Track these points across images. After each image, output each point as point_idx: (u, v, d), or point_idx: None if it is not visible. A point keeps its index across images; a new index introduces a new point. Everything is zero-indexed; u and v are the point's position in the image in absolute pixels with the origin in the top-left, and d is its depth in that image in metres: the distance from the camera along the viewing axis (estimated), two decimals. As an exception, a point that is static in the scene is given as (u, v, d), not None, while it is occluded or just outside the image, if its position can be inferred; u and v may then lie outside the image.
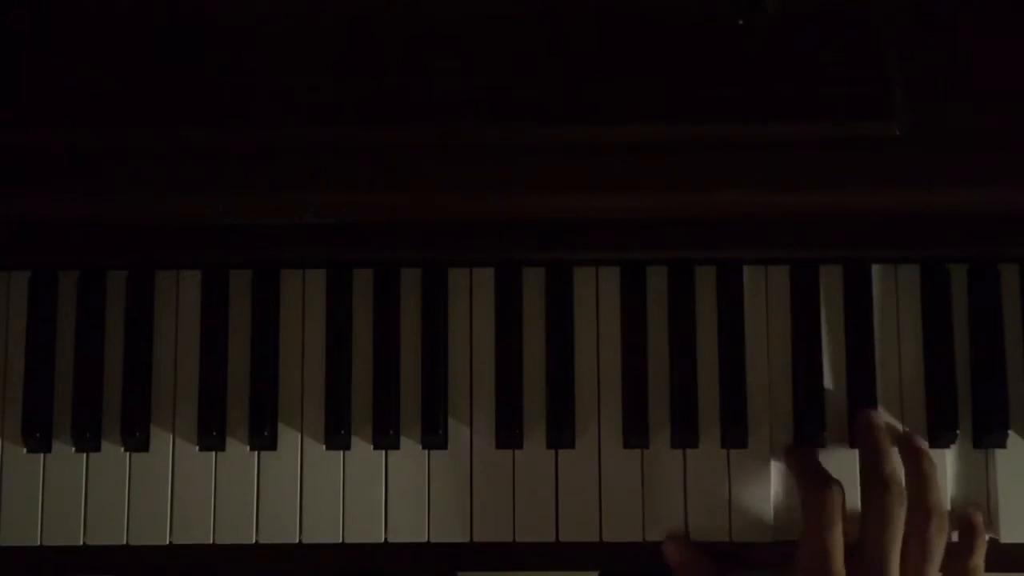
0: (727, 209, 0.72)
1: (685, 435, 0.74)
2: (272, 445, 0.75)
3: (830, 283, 0.76)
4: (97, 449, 0.75)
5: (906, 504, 0.68)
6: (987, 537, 0.72)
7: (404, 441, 0.75)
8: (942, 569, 0.69)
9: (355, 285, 0.76)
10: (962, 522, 0.72)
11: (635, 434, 0.74)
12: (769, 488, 0.74)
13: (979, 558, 0.71)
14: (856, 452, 0.73)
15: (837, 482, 0.70)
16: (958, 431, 0.74)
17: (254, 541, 0.74)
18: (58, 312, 0.76)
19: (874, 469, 0.70)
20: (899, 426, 0.74)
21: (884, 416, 0.74)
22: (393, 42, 0.70)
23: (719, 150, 0.69)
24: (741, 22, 0.70)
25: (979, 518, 0.72)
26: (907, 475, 0.70)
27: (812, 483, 0.70)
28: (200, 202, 0.70)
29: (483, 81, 0.69)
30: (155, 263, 0.76)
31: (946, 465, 0.74)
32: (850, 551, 0.68)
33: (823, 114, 0.69)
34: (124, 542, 0.74)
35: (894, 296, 0.76)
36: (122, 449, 0.75)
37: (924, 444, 0.73)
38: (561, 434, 0.74)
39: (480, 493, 0.74)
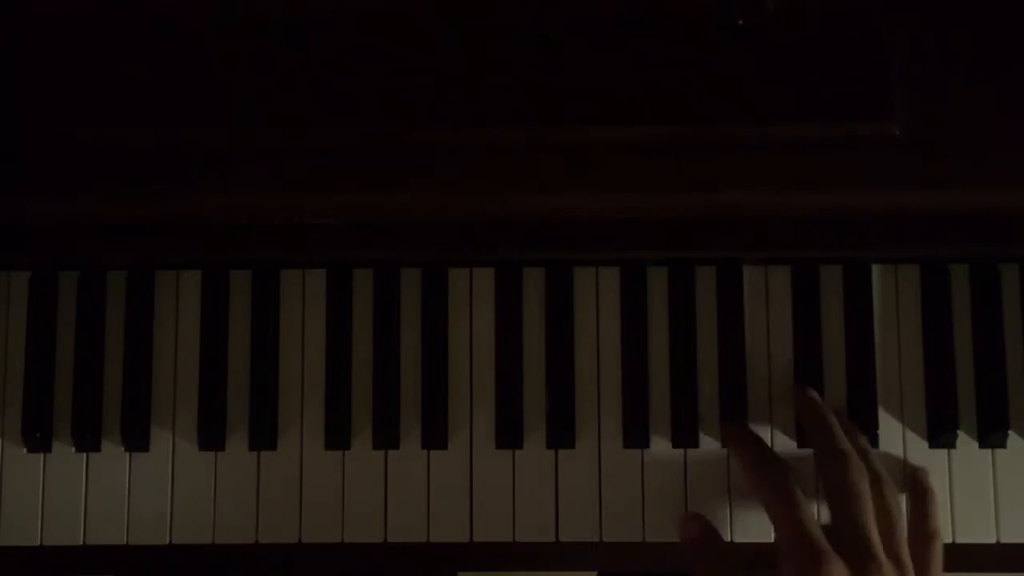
0: (727, 209, 0.72)
1: (685, 435, 0.74)
2: (272, 445, 0.75)
3: (830, 283, 0.76)
4: (97, 449, 0.75)
5: (868, 475, 0.68)
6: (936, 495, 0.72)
7: (404, 441, 0.75)
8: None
9: (355, 285, 0.76)
10: (911, 486, 0.72)
11: (635, 434, 0.74)
12: (769, 488, 0.74)
13: (936, 520, 0.70)
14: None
15: (784, 461, 0.70)
16: (958, 431, 0.74)
17: (254, 541, 0.74)
18: (58, 312, 0.76)
19: (830, 446, 0.70)
20: (899, 427, 0.74)
21: (884, 416, 0.74)
22: (393, 41, 0.70)
23: (719, 150, 0.68)
24: (741, 22, 0.70)
25: (926, 478, 0.72)
26: None
27: (763, 469, 0.70)
28: (201, 202, 0.70)
29: (483, 82, 0.69)
30: (155, 263, 0.76)
31: (947, 465, 0.74)
32: (827, 529, 0.67)
33: (823, 114, 0.69)
34: (124, 542, 0.74)
35: (894, 296, 0.76)
36: (122, 449, 0.75)
37: (848, 423, 0.73)
38: (561, 434, 0.74)
39: (480, 493, 0.74)
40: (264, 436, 0.74)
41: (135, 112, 0.69)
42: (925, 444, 0.74)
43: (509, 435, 0.74)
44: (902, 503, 0.71)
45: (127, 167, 0.69)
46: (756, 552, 0.73)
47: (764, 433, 0.74)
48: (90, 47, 0.70)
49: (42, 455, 0.75)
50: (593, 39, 0.70)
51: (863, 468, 0.68)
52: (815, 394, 0.73)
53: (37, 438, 0.74)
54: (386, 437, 0.74)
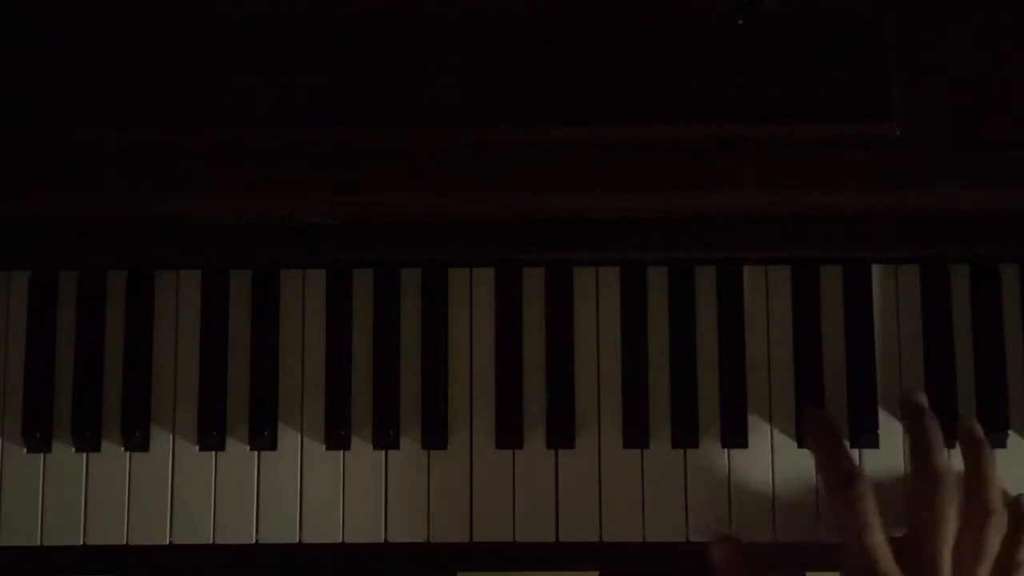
0: (727, 209, 0.72)
1: (685, 435, 0.74)
2: (272, 445, 0.75)
3: (830, 283, 0.76)
4: (97, 449, 0.75)
5: (958, 501, 0.65)
6: None
7: (404, 441, 0.74)
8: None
9: (355, 285, 0.76)
10: (1012, 511, 0.68)
11: (635, 434, 0.74)
12: (769, 488, 0.74)
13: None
14: (857, 452, 0.73)
15: (863, 475, 0.67)
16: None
17: (254, 541, 0.74)
18: (58, 312, 0.76)
19: (924, 462, 0.67)
20: (900, 427, 0.74)
21: (884, 416, 0.74)
22: (394, 42, 0.70)
23: (719, 150, 0.69)
24: (741, 22, 0.70)
25: None
26: (965, 468, 0.68)
27: (839, 481, 0.67)
28: (200, 202, 0.70)
29: (483, 82, 0.69)
30: (155, 263, 0.76)
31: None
32: (897, 541, 0.66)
33: (823, 114, 0.69)
34: (124, 542, 0.74)
35: (894, 296, 0.76)
36: (122, 449, 0.75)
37: (981, 433, 0.70)
38: (561, 434, 0.74)
39: (480, 493, 0.74)
40: (264, 436, 0.74)
41: (134, 112, 0.69)
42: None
43: (509, 435, 0.74)
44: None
45: (126, 167, 0.69)
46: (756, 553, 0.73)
47: (763, 433, 0.74)
48: (88, 47, 0.70)
49: (42, 455, 0.75)
50: (591, 39, 0.70)
51: (954, 493, 0.65)
52: (924, 399, 0.71)
53: (37, 438, 0.74)
54: (386, 437, 0.74)
